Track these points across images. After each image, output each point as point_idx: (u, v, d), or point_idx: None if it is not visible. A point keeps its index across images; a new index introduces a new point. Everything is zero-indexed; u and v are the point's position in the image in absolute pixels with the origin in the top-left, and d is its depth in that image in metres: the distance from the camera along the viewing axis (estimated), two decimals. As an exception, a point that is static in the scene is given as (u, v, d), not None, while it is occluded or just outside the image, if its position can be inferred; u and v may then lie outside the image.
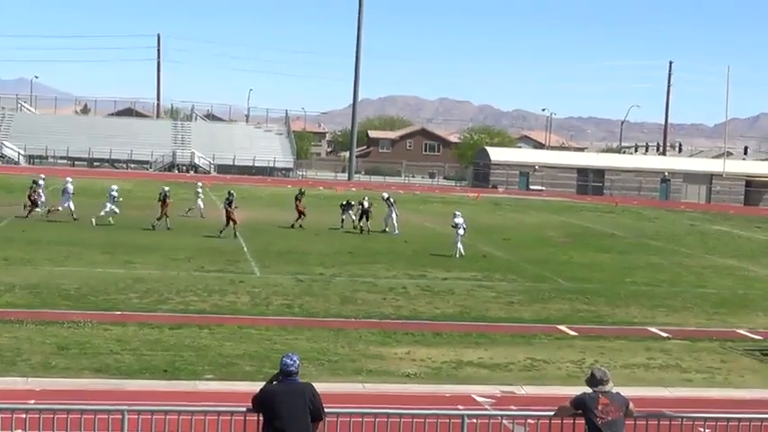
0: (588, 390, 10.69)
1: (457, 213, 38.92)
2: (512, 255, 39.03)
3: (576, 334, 23.43)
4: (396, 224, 44.66)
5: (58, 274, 27.83)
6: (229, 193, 41.16)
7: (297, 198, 46.13)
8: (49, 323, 20.89)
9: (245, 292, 26.49)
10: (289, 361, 10.34)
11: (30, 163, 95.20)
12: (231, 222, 39.52)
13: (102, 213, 41.54)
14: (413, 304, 26.34)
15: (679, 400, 17.50)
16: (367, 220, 44.16)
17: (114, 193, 42.50)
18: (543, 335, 22.99)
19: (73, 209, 42.18)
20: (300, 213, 45.17)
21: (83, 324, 20.94)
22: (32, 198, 42.92)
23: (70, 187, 42.86)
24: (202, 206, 47.82)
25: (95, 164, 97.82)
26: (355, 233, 43.70)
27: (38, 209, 42.93)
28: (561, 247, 43.51)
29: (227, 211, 39.85)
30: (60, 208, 42.37)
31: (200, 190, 48.95)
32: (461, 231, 37.43)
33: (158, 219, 40.85)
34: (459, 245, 37.18)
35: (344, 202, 46.96)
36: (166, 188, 43.33)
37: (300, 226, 44.45)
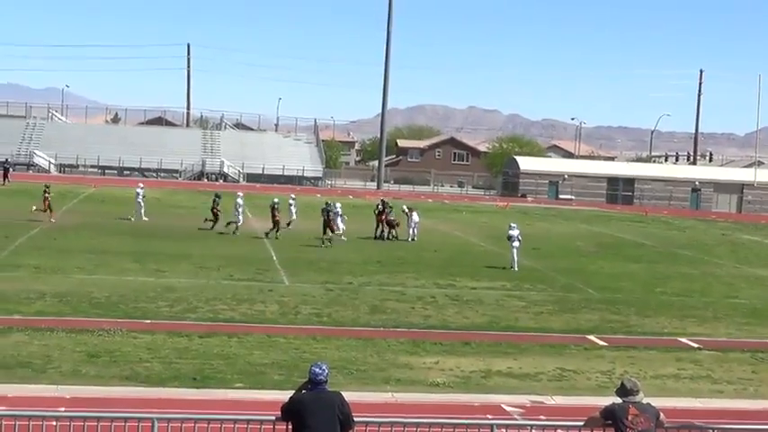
0: (618, 400, 10.65)
1: (512, 225, 38.47)
2: (541, 264, 38.89)
3: (605, 344, 23.30)
4: (413, 232, 44.92)
5: (88, 282, 27.99)
6: (327, 203, 42.80)
7: (381, 211, 45.77)
8: (79, 331, 21.01)
9: (273, 301, 26.54)
10: (318, 370, 10.36)
11: (60, 172, 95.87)
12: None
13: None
14: (442, 314, 26.32)
15: (710, 411, 17.37)
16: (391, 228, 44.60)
17: (139, 191, 44.39)
18: (573, 345, 22.89)
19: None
20: (386, 224, 45.11)
21: (113, 332, 21.05)
22: (215, 211, 44.52)
23: (140, 192, 46.99)
24: (294, 217, 47.95)
25: (125, 172, 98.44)
26: (386, 242, 43.84)
27: (216, 223, 44.21)
28: (591, 256, 43.31)
29: (326, 219, 41.42)
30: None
31: (292, 201, 49.43)
32: (516, 243, 37.16)
33: (275, 230, 42.49)
34: (516, 257, 36.90)
35: (379, 205, 47.21)
36: (276, 200, 43.97)
37: (395, 237, 44.70)
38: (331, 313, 25.34)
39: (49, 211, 44.26)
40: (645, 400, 10.67)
